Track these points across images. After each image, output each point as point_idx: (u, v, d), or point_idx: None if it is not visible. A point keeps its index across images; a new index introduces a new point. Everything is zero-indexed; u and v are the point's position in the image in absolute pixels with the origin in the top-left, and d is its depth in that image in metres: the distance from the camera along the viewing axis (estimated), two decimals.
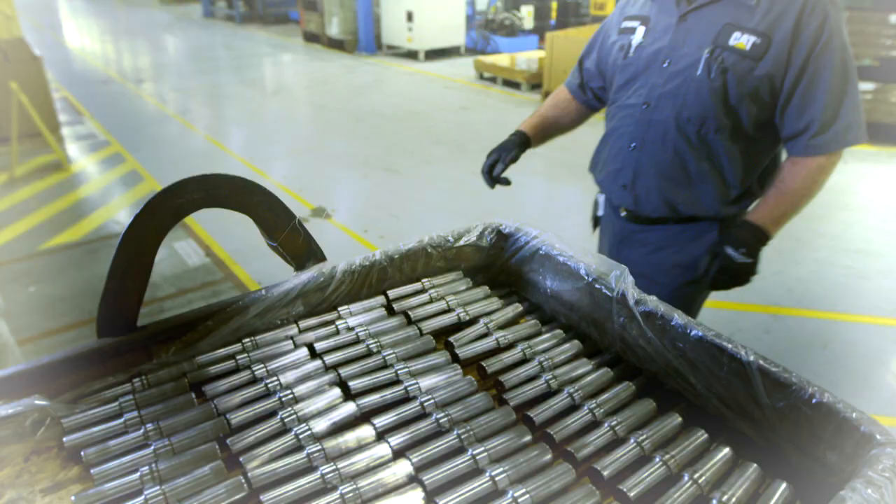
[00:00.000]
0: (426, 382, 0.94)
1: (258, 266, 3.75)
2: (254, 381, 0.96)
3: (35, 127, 5.31)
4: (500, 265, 1.28)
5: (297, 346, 1.03)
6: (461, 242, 1.25)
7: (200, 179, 1.01)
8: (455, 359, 1.03)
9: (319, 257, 1.16)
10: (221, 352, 1.02)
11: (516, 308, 1.16)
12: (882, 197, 4.79)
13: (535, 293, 1.21)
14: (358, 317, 1.12)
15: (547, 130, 1.80)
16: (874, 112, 5.82)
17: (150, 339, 1.00)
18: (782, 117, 1.43)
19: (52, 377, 0.93)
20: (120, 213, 4.54)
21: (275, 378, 0.95)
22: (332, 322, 1.10)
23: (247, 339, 1.04)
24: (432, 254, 1.23)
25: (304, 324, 1.09)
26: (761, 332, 3.17)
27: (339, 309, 1.13)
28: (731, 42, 1.40)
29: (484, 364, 1.00)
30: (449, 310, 1.15)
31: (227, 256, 3.91)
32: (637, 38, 1.57)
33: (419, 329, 1.09)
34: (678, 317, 0.95)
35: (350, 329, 1.08)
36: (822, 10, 1.33)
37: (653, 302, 0.99)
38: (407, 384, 0.94)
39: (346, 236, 4.21)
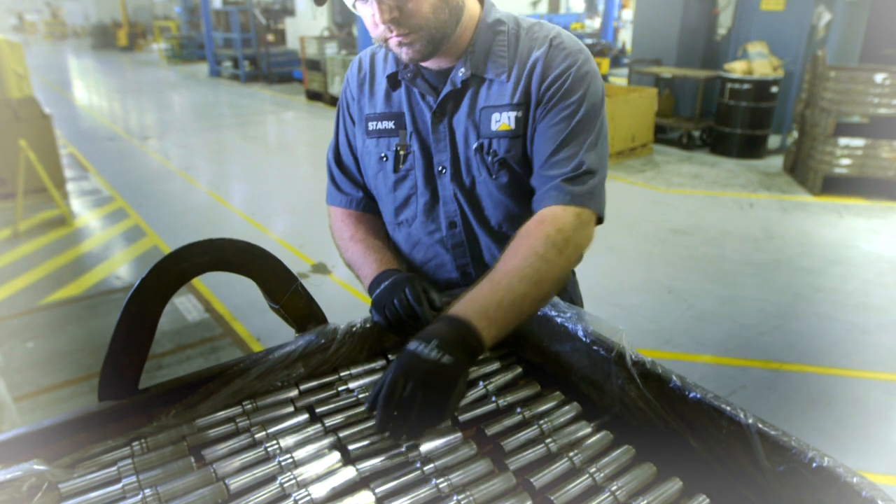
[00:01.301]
0: (426, 447, 0.94)
1: (257, 322, 3.75)
2: (253, 444, 0.96)
3: (41, 182, 5.40)
4: None
5: (297, 409, 1.04)
6: None
7: (206, 244, 1.03)
8: (454, 421, 1.03)
9: (320, 319, 1.17)
10: (221, 414, 1.02)
11: (515, 370, 1.17)
12: (878, 251, 4.83)
13: (534, 354, 1.22)
14: (358, 380, 1.12)
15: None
16: (865, 167, 5.93)
17: (150, 402, 1.00)
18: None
19: (52, 440, 0.93)
20: (121, 269, 4.57)
21: (274, 442, 0.95)
22: (332, 384, 1.11)
23: (247, 402, 1.04)
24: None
25: (304, 386, 1.10)
26: (765, 389, 3.15)
27: (340, 371, 1.14)
28: (494, 127, 1.18)
29: (483, 427, 1.00)
30: None
31: (226, 312, 3.91)
32: (401, 143, 1.26)
33: None
34: (676, 378, 0.96)
35: (350, 391, 1.09)
36: (570, 53, 1.17)
37: (650, 363, 1.00)
38: (406, 447, 0.94)
39: (346, 292, 4.23)
